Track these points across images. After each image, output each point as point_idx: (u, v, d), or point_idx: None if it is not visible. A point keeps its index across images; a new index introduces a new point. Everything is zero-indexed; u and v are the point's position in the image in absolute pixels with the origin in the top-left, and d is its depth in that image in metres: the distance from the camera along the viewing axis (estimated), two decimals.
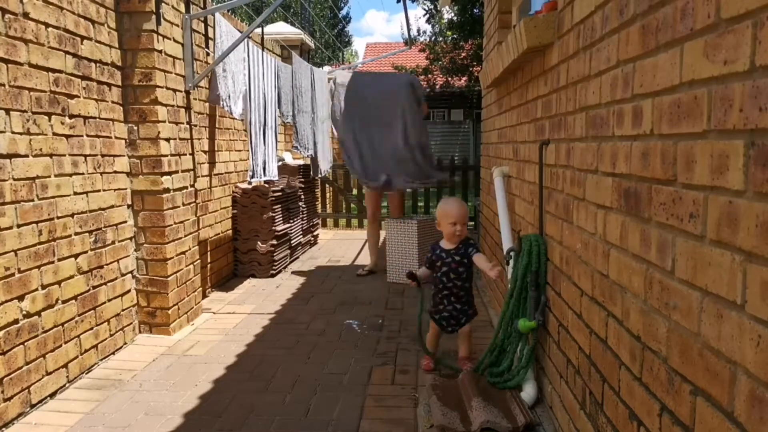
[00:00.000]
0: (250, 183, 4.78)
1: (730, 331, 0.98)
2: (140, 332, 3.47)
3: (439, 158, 7.89)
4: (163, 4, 3.36)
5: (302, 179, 6.08)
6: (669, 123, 1.22)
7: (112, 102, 3.19)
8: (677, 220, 1.18)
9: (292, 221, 5.53)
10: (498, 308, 3.59)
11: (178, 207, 3.56)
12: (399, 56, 14.65)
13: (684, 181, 1.15)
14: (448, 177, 6.37)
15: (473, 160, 12.21)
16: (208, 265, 4.44)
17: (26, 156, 2.49)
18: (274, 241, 5.01)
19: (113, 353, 3.18)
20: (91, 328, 2.98)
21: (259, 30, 5.55)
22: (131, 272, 3.38)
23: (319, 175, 6.60)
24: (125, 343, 3.32)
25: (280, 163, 5.83)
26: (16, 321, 2.42)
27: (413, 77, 5.53)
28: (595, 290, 1.73)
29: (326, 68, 8.12)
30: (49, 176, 2.65)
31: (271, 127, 4.98)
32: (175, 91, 3.54)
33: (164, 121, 3.38)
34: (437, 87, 15.48)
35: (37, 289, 2.56)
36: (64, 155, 2.76)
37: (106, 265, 3.12)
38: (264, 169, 4.75)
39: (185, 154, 3.69)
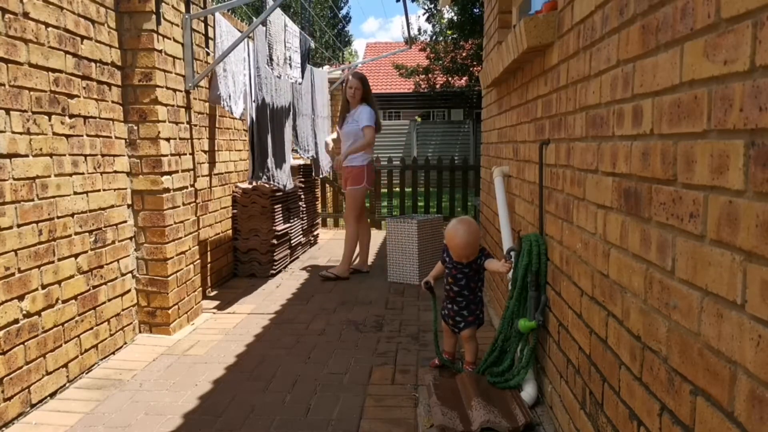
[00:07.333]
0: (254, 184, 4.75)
1: (730, 331, 0.98)
2: (140, 332, 3.47)
3: (439, 158, 7.90)
4: (163, 3, 3.36)
5: (302, 179, 6.08)
6: (669, 123, 1.22)
7: (112, 102, 3.19)
8: (677, 219, 1.18)
9: (292, 221, 5.53)
10: (498, 308, 3.59)
11: (178, 207, 3.56)
12: (399, 56, 14.65)
13: (684, 180, 1.15)
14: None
15: (473, 160, 12.23)
16: (208, 265, 4.44)
17: (26, 156, 2.49)
18: (275, 241, 5.01)
19: (113, 353, 3.18)
20: (91, 328, 2.98)
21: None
22: (131, 272, 3.38)
23: (321, 175, 6.60)
24: (125, 343, 3.32)
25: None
26: (16, 321, 2.42)
27: None
28: (595, 290, 1.73)
29: (326, 68, 8.12)
30: (49, 176, 2.65)
31: (286, 132, 4.93)
32: (175, 90, 3.54)
33: (164, 121, 3.38)
34: (437, 87, 15.48)
35: (37, 289, 2.56)
36: (64, 155, 2.76)
37: (106, 264, 3.12)
38: (273, 175, 4.66)
39: (185, 154, 3.69)
